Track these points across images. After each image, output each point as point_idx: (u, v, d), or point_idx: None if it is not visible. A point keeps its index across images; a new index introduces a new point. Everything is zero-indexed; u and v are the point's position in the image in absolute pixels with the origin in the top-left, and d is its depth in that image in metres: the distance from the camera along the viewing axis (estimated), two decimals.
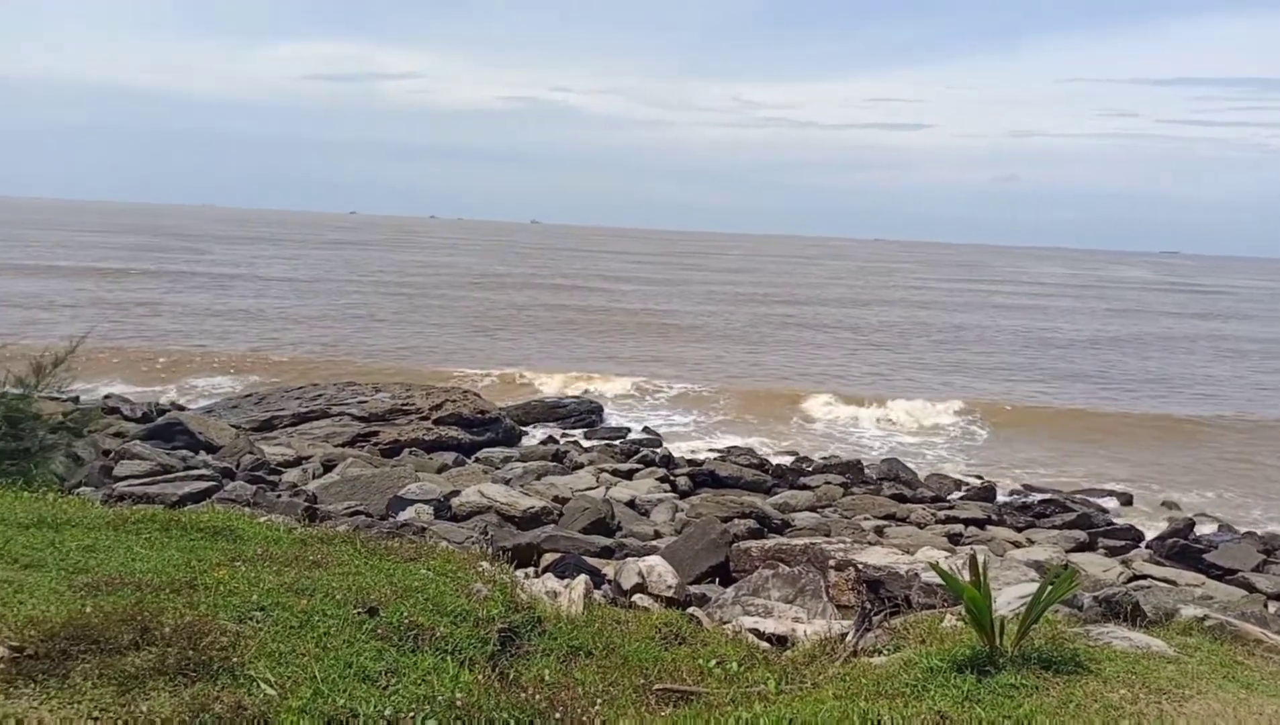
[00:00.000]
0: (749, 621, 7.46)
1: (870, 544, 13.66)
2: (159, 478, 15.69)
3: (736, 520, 15.28)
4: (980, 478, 21.43)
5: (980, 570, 5.00)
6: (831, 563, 9.13)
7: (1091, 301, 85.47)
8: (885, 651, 5.88)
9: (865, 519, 17.08)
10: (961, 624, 5.70)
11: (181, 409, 23.18)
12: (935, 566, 5.67)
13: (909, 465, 21.83)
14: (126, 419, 21.67)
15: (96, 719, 3.68)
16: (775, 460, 22.16)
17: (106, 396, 24.10)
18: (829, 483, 19.63)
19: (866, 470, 21.10)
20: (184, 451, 18.28)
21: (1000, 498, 19.91)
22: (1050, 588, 4.94)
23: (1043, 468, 23.90)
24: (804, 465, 21.69)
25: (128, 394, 25.69)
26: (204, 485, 15.03)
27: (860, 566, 9.14)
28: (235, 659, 4.25)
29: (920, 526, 16.94)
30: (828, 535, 14.95)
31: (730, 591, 8.55)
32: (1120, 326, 61.08)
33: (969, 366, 39.90)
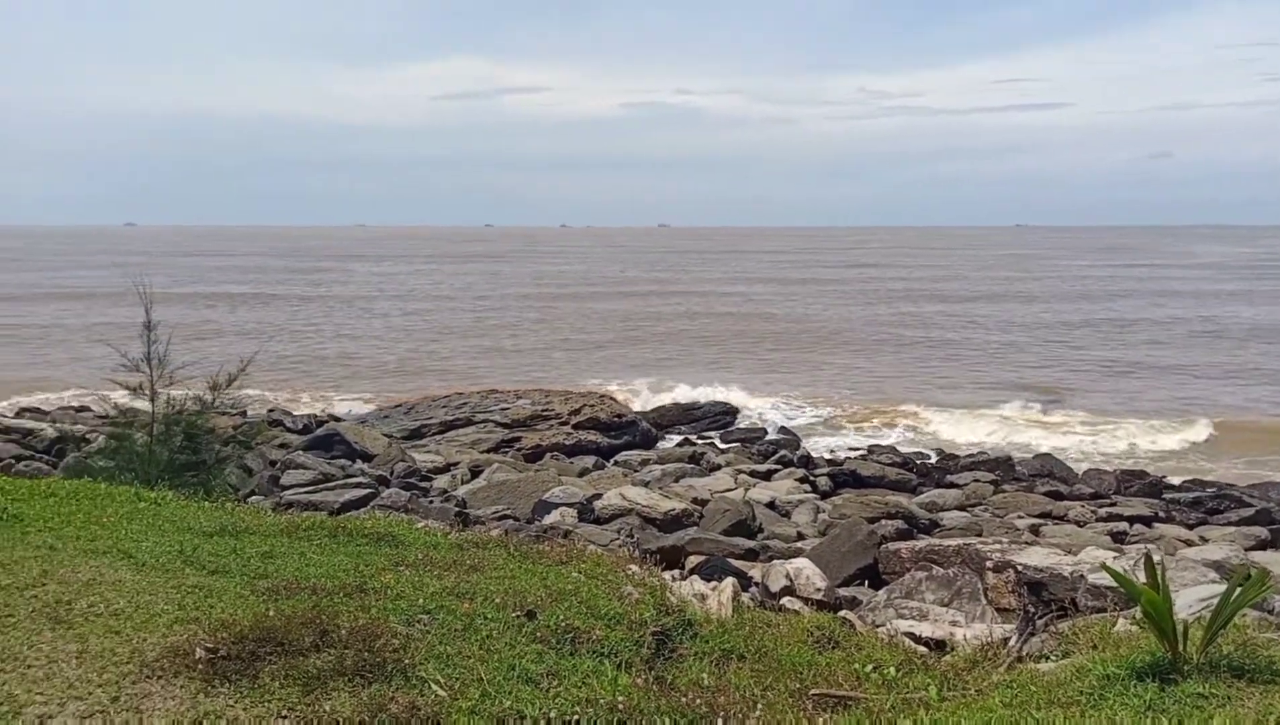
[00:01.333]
0: (903, 625, 7.26)
1: (1028, 544, 13.12)
2: (321, 486, 16.53)
3: (883, 521, 14.90)
4: (1144, 472, 20.20)
5: (1157, 570, 4.72)
6: (989, 564, 8.78)
7: (1272, 282, 79.31)
8: (1052, 658, 5.62)
9: (1019, 518, 16.38)
10: (1137, 629, 5.39)
11: (338, 420, 24.38)
12: (1107, 567, 5.39)
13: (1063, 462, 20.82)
14: (289, 431, 22.96)
15: (284, 717, 3.90)
16: (919, 459, 21.53)
17: (270, 410, 25.59)
18: (978, 480, 18.93)
19: (1018, 467, 20.23)
20: (342, 460, 19.23)
21: (1167, 494, 18.71)
22: (1240, 589, 4.61)
23: (1209, 461, 22.37)
24: (950, 463, 20.99)
25: (288, 407, 27.24)
26: (362, 492, 15.76)
27: (1020, 568, 8.76)
28: (407, 661, 4.43)
29: (1080, 525, 16.12)
30: (980, 535, 14.42)
31: (882, 594, 8.33)
32: None
33: (1132, 362, 37.65)
